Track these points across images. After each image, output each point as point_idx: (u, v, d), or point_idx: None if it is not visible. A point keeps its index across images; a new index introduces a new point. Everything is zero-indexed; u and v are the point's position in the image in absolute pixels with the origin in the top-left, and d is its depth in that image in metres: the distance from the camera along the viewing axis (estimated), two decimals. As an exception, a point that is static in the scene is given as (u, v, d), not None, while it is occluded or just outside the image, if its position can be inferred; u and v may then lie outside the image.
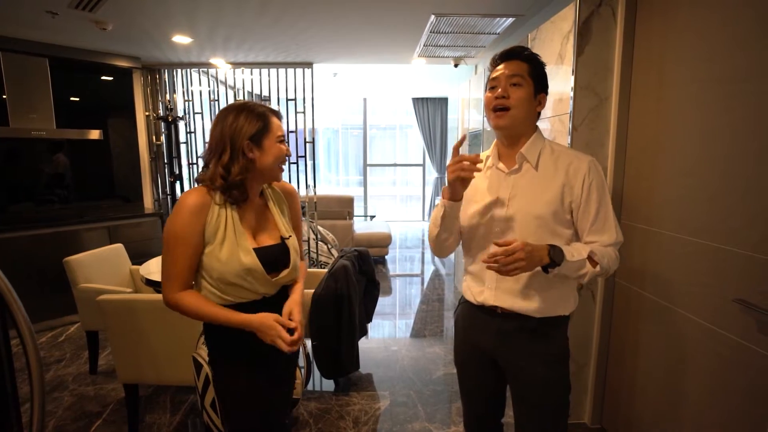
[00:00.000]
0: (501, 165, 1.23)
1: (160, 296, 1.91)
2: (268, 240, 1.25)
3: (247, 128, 1.15)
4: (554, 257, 1.08)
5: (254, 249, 1.18)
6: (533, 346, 1.21)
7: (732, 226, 1.34)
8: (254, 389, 1.23)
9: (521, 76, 1.16)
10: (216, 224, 1.14)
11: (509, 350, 1.23)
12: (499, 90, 1.17)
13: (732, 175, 1.34)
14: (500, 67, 1.20)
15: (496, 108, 1.18)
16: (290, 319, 1.20)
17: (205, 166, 1.20)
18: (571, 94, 1.89)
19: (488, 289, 1.24)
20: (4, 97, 3.28)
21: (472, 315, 1.32)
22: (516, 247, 1.04)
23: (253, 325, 1.15)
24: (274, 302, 1.24)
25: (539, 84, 1.19)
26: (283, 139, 1.22)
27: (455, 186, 1.14)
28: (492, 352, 1.27)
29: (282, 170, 1.26)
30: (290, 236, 1.28)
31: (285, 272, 1.24)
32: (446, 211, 1.19)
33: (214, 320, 1.15)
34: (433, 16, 2.87)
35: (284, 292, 1.29)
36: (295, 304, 1.24)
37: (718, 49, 1.39)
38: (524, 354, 1.21)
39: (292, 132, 4.45)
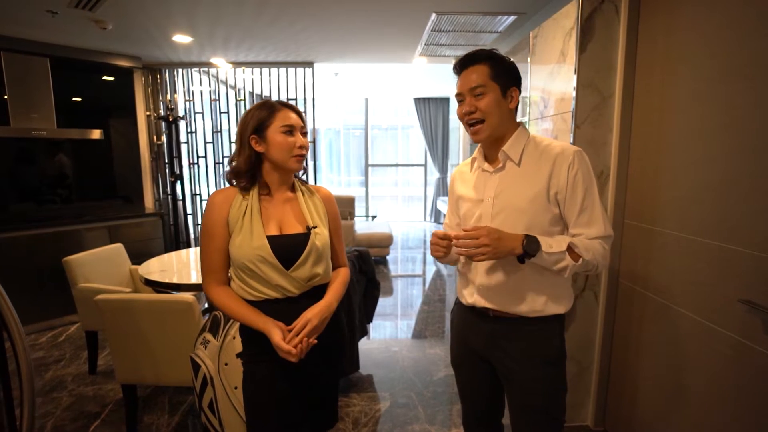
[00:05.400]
0: (486, 165, 1.23)
1: (158, 296, 1.91)
2: (293, 230, 1.24)
3: (251, 122, 1.21)
4: (528, 248, 1.05)
5: (271, 236, 1.19)
6: (526, 349, 1.19)
7: (737, 224, 1.31)
8: (275, 391, 1.21)
9: (483, 84, 1.12)
10: (237, 214, 1.20)
11: (502, 353, 1.22)
12: (466, 105, 1.15)
13: (737, 173, 1.31)
14: (460, 77, 1.17)
15: (470, 122, 1.16)
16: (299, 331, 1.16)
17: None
18: (574, 92, 1.87)
19: (477, 291, 1.24)
20: (6, 97, 3.28)
21: (464, 316, 1.31)
22: (480, 233, 1.03)
23: (264, 331, 1.14)
24: (300, 304, 1.20)
25: (506, 81, 1.14)
26: (290, 130, 1.21)
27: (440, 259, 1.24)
28: (485, 354, 1.26)
29: (298, 161, 1.23)
30: (317, 226, 1.25)
31: (299, 262, 1.19)
32: (441, 261, 1.28)
33: (241, 319, 1.19)
34: (434, 15, 2.86)
35: (316, 296, 1.25)
36: (314, 314, 1.17)
37: (723, 46, 1.37)
38: (517, 356, 1.20)
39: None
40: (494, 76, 1.12)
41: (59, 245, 3.32)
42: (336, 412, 1.41)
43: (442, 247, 1.17)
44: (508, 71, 1.14)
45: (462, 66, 1.17)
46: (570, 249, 1.09)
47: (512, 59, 1.18)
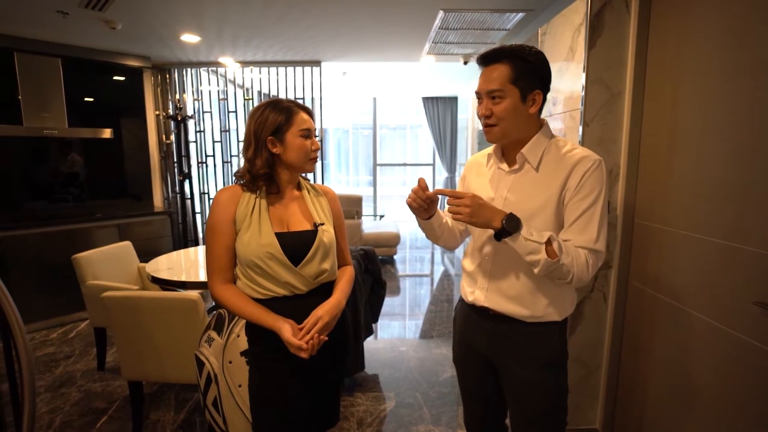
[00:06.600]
0: (503, 165, 1.19)
1: (163, 294, 1.92)
2: (300, 227, 1.25)
3: (269, 123, 1.20)
4: (507, 225, 1.02)
5: (279, 233, 1.20)
6: (526, 350, 1.17)
7: (750, 224, 1.27)
8: (280, 389, 1.21)
9: (500, 89, 1.06)
10: (245, 211, 1.20)
11: (502, 352, 1.20)
12: (482, 107, 1.11)
13: (752, 172, 1.27)
14: (481, 74, 1.11)
15: (485, 124, 1.13)
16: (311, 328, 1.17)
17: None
18: (582, 89, 1.84)
19: (479, 290, 1.22)
20: (19, 97, 3.34)
21: (467, 314, 1.29)
22: (466, 194, 1.06)
23: (274, 329, 1.14)
24: (309, 302, 1.21)
25: (528, 84, 1.06)
26: (307, 134, 1.23)
27: (415, 212, 1.21)
28: (486, 352, 1.24)
29: (312, 164, 1.27)
30: (324, 223, 1.27)
31: (307, 258, 1.20)
32: (420, 225, 1.29)
33: (249, 317, 1.19)
34: (441, 12, 2.83)
35: (323, 294, 1.26)
36: (324, 311, 1.18)
37: (737, 41, 1.33)
38: (517, 357, 1.17)
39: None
40: (515, 78, 1.05)
41: (70, 243, 3.37)
42: (338, 411, 1.40)
43: (413, 192, 1.16)
44: (532, 72, 1.07)
45: (485, 61, 1.10)
46: (549, 244, 1.03)
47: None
